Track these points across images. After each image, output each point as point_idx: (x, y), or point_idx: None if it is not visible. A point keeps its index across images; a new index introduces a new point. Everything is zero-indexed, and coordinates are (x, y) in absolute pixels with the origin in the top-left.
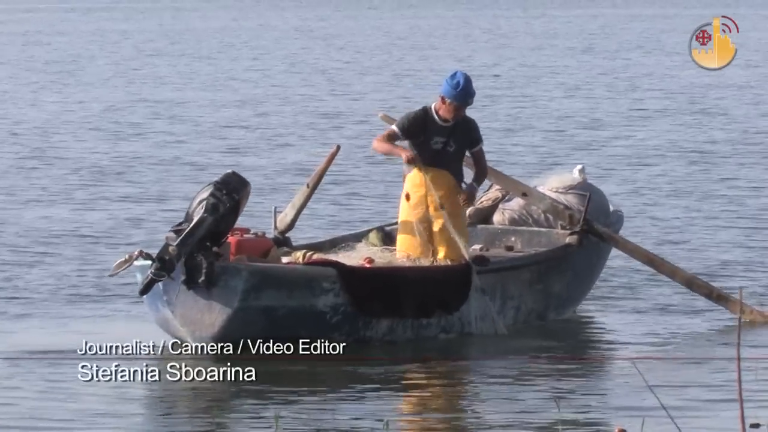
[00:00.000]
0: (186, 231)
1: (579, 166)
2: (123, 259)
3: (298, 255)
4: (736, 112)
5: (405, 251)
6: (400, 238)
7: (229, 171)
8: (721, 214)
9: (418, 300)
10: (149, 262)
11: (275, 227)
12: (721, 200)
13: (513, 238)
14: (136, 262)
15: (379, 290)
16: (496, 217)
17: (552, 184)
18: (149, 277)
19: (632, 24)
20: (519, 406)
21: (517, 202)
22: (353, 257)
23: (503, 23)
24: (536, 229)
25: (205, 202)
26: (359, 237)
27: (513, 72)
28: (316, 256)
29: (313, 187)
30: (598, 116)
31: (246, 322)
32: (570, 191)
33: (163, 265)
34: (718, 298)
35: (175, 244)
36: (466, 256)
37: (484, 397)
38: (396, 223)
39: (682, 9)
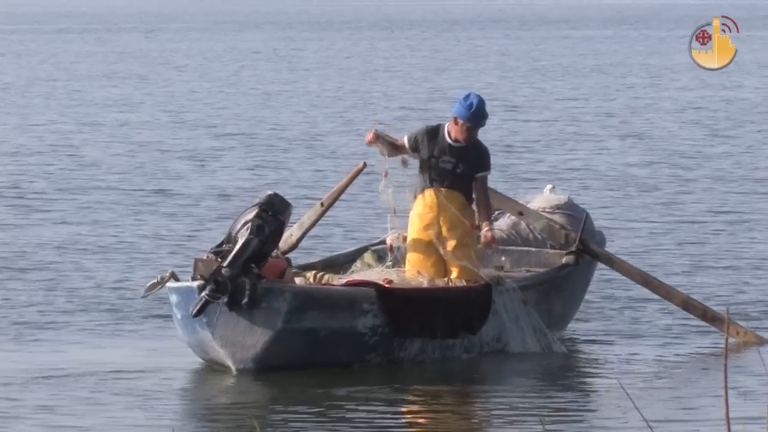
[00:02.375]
0: (234, 252)
1: (549, 186)
2: (156, 280)
3: (309, 276)
4: (668, 134)
5: (419, 271)
6: (412, 258)
7: (271, 192)
8: (668, 234)
9: (447, 320)
10: (181, 284)
11: (278, 247)
12: (666, 222)
13: (503, 258)
14: (169, 284)
15: (414, 311)
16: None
17: (537, 204)
18: (204, 299)
19: (591, 45)
20: (503, 425)
21: (505, 222)
22: (371, 278)
23: (459, 45)
24: (526, 248)
25: (250, 224)
26: (352, 257)
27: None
28: (327, 277)
29: (327, 207)
30: (533, 137)
31: (288, 343)
32: (557, 211)
33: (218, 286)
34: (713, 319)
35: (225, 265)
36: (482, 275)
37: (467, 416)
38: (380, 243)
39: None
